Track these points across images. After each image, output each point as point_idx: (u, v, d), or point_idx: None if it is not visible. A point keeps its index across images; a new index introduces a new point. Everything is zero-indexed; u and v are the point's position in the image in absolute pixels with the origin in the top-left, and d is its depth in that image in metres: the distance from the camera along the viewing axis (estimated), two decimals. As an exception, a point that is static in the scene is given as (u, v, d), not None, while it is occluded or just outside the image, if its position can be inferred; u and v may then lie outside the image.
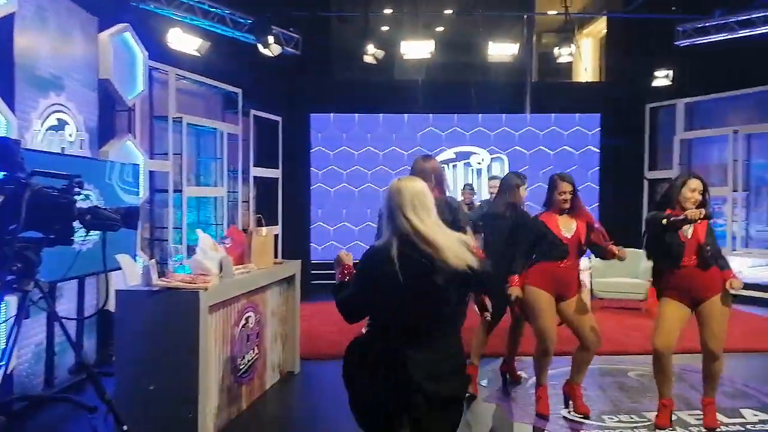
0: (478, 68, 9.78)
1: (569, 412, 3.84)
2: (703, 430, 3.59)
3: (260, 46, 7.73)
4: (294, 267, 4.86)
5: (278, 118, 8.89)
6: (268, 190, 8.83)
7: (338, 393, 4.51)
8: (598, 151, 9.31)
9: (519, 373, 4.62)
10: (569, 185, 3.77)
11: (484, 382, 4.50)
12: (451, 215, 3.34)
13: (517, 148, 9.27)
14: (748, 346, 5.54)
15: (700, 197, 3.47)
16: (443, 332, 2.14)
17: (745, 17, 7.78)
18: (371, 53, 8.73)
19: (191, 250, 5.04)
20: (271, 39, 7.68)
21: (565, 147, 9.31)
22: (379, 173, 9.00)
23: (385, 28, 10.14)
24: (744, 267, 7.95)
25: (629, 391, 4.30)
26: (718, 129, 8.43)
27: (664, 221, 3.41)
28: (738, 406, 3.96)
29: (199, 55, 7.18)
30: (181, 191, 6.76)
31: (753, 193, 8.30)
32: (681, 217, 3.36)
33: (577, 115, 9.35)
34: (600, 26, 11.46)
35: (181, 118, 6.72)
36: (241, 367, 3.96)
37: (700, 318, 3.53)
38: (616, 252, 3.69)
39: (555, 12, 9.79)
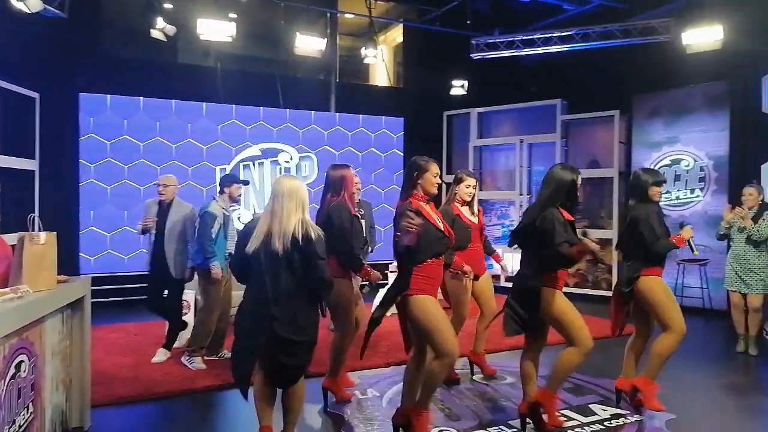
0: (282, 62, 9.11)
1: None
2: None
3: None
4: (83, 287, 3.59)
5: (35, 95, 6.98)
6: (19, 186, 6.84)
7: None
8: (402, 154, 9.40)
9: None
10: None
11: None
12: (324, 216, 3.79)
13: (326, 147, 8.82)
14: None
15: (474, 191, 4.28)
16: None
17: (528, 37, 8.56)
18: (160, 28, 7.42)
19: None
20: (28, -10, 5.90)
21: (372, 149, 9.18)
22: (171, 169, 7.63)
23: (168, 6, 8.78)
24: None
25: (484, 398, 4.10)
26: (507, 137, 9.18)
27: None
28: (587, 402, 4.02)
29: None
30: None
31: (534, 196, 9.21)
32: None
33: (383, 117, 9.31)
34: (395, 35, 11.72)
35: None
36: (7, 439, 2.68)
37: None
38: None
39: (353, 14, 9.64)
